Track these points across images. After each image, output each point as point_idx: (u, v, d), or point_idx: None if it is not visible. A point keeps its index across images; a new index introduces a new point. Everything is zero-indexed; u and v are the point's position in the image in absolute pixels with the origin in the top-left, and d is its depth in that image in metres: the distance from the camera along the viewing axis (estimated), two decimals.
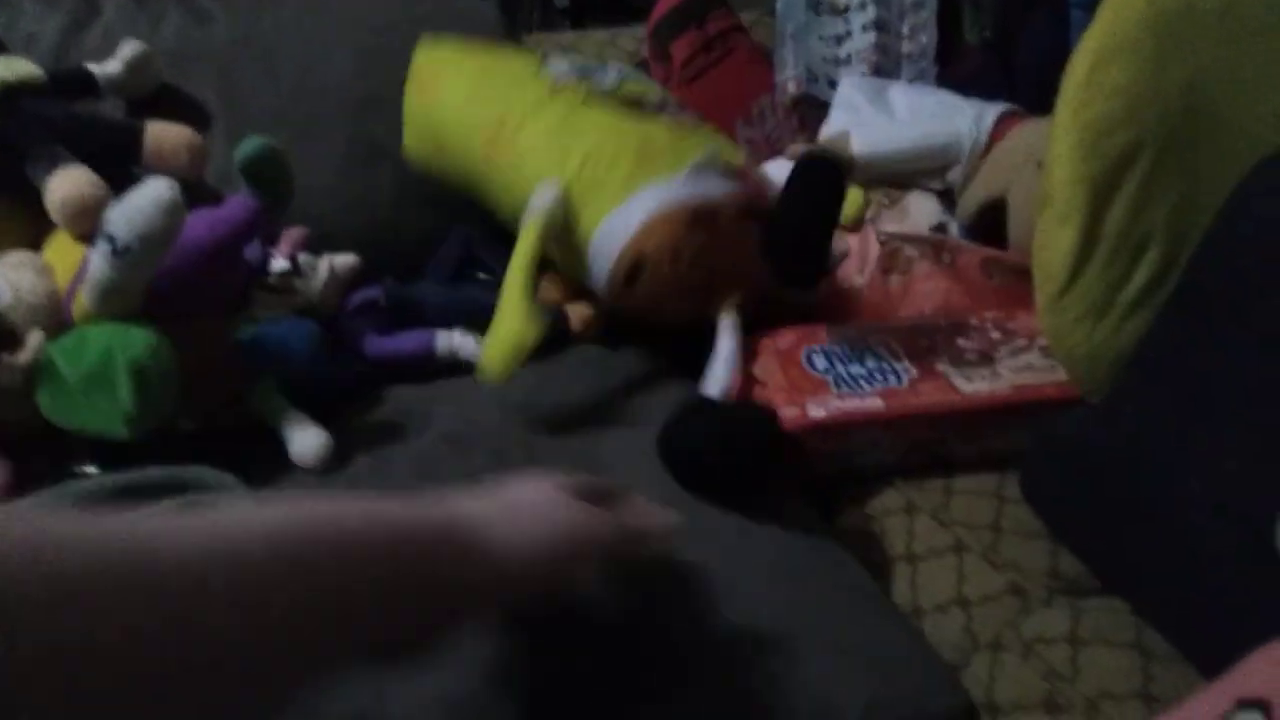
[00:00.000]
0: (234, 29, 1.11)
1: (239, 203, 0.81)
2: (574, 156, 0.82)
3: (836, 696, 0.59)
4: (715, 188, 0.83)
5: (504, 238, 0.89)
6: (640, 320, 0.88)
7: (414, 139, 0.97)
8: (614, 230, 0.80)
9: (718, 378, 0.77)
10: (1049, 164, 0.72)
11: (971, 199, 0.97)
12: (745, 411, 0.76)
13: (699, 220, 0.80)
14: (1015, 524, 0.75)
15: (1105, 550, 0.67)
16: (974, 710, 0.63)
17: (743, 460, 0.71)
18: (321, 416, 0.80)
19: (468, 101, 0.91)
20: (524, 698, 0.57)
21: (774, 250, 0.81)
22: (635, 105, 0.91)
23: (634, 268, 0.79)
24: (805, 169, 0.80)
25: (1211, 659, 0.57)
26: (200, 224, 0.80)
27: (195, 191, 0.89)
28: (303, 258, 0.88)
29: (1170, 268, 0.71)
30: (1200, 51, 0.73)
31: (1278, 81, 0.75)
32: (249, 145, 0.77)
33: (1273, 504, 0.56)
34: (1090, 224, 0.71)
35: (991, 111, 0.98)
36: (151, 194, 0.70)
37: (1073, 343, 0.74)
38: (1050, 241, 0.73)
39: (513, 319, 0.75)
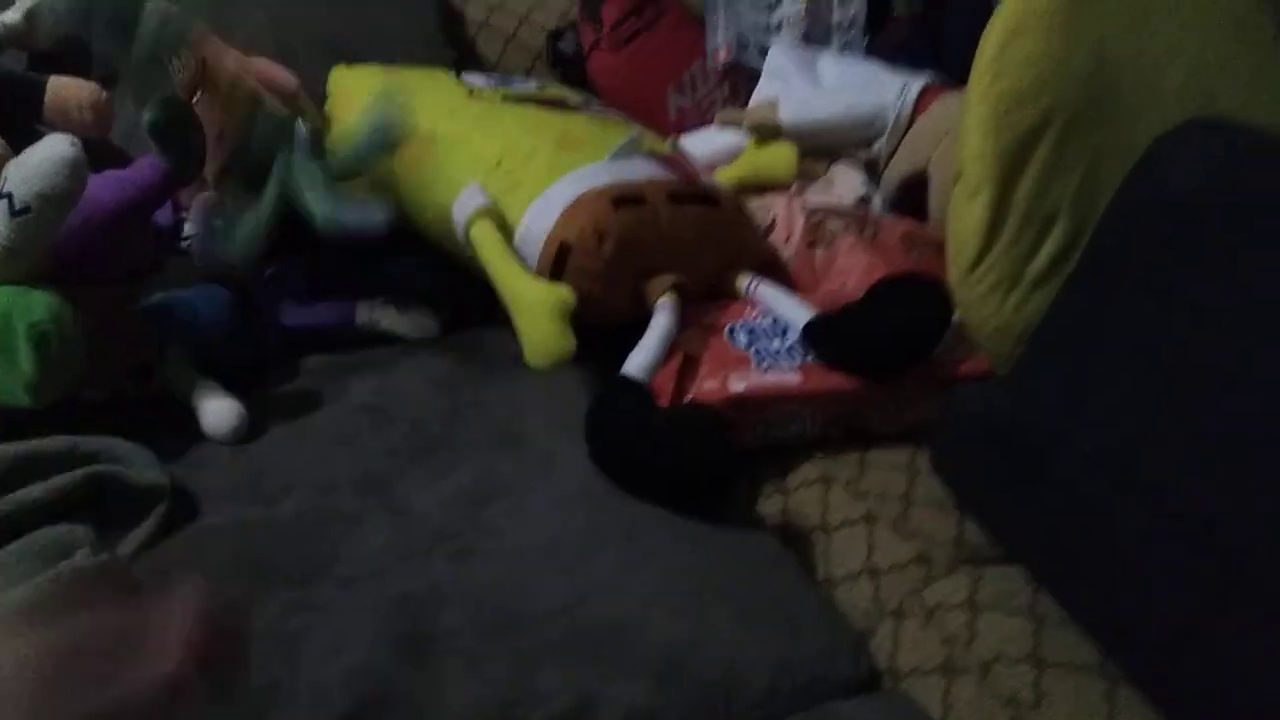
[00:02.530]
0: None
1: (147, 164, 0.78)
2: (493, 153, 0.81)
3: (745, 658, 0.60)
4: (638, 172, 0.83)
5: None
6: (585, 314, 0.86)
7: (337, 165, 0.94)
8: (538, 220, 0.79)
9: (640, 357, 0.76)
10: (961, 137, 0.73)
11: (895, 172, 0.98)
12: (693, 422, 0.74)
13: (622, 203, 0.79)
14: (926, 495, 0.77)
15: (1008, 519, 0.69)
16: (877, 675, 0.65)
17: (687, 478, 0.71)
18: (236, 387, 0.78)
19: None
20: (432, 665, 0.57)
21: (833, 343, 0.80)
22: (555, 105, 0.90)
23: (560, 254, 0.79)
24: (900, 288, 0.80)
25: (1105, 623, 0.60)
26: (105, 185, 0.77)
27: (100, 151, 0.86)
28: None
29: (1076, 241, 0.73)
30: (1108, 26, 0.74)
31: (1180, 58, 0.77)
32: (157, 104, 0.75)
33: (1167, 467, 0.58)
34: (1000, 197, 0.72)
35: (916, 83, 0.99)
36: (51, 151, 0.67)
37: (983, 316, 0.76)
38: (962, 215, 0.74)
39: (535, 291, 0.74)
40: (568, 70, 1.22)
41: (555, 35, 1.24)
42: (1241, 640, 0.52)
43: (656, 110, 1.17)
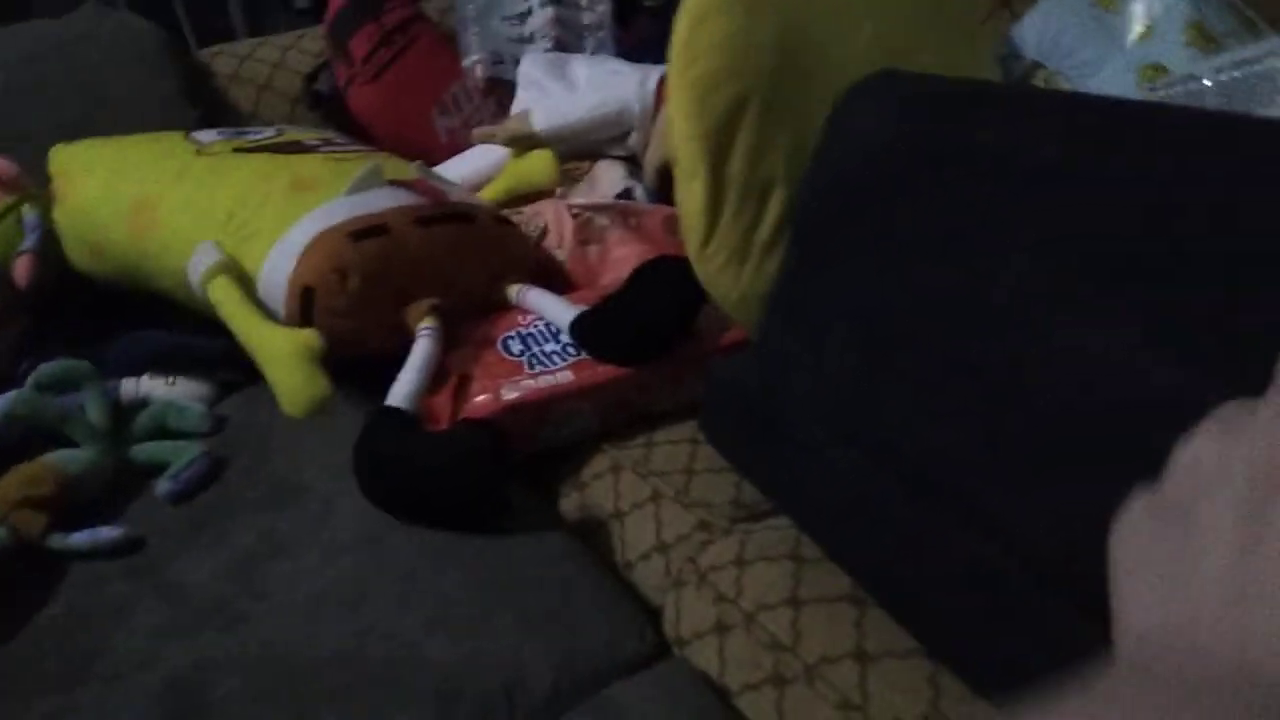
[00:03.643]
0: None
1: None
2: (223, 207, 0.80)
3: (528, 662, 0.61)
4: (379, 202, 0.83)
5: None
6: (349, 350, 0.83)
7: (71, 248, 0.91)
8: (277, 266, 0.78)
9: (401, 386, 0.76)
10: (668, 124, 0.77)
11: (649, 162, 1.02)
12: (457, 442, 0.73)
13: (363, 236, 0.79)
14: (706, 463, 0.80)
15: (764, 475, 0.72)
16: (665, 648, 0.67)
17: (459, 499, 0.72)
18: None
19: (105, 192, 0.87)
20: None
21: (593, 332, 0.82)
22: (290, 149, 0.89)
23: (304, 297, 0.78)
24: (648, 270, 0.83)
25: (847, 557, 0.64)
26: None
27: None
28: None
29: (794, 207, 0.77)
30: (791, 3, 0.78)
31: (866, 22, 0.82)
32: None
33: (876, 420, 0.62)
34: (714, 176, 0.76)
35: (654, 74, 1.02)
36: None
37: (723, 289, 0.79)
38: (684, 197, 0.77)
39: (280, 339, 0.73)
40: (329, 110, 1.20)
41: (311, 77, 1.22)
42: (945, 550, 0.56)
43: (425, 135, 1.18)
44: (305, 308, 0.77)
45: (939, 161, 0.65)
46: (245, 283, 0.79)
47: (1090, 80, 0.94)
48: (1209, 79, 0.81)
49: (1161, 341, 0.48)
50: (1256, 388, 0.31)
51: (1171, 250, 0.49)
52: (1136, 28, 0.93)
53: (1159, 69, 0.90)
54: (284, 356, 0.72)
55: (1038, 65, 0.98)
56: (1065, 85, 0.96)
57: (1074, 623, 0.47)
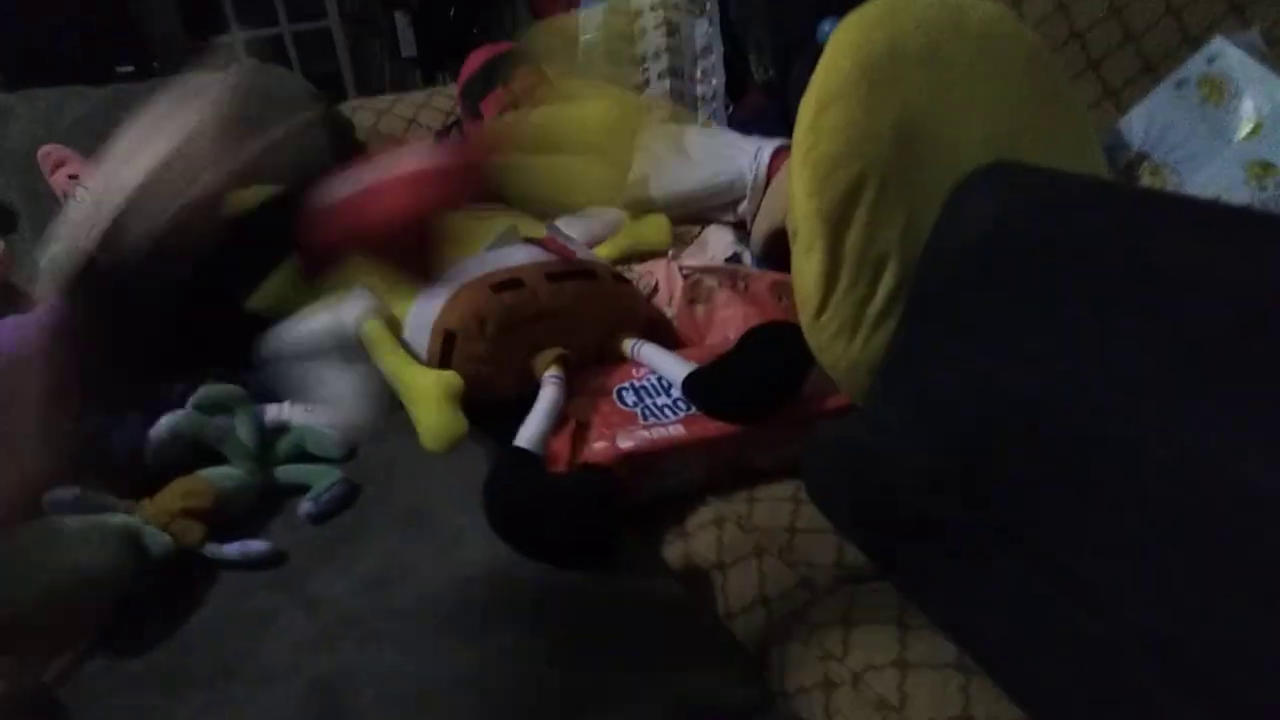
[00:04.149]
0: (35, 125, 1.12)
1: (55, 307, 0.82)
2: None
3: (644, 699, 0.65)
4: (515, 258, 0.90)
5: None
6: (480, 393, 0.88)
7: None
8: (424, 313, 0.86)
9: (529, 429, 0.82)
10: (790, 200, 0.82)
11: (758, 230, 1.07)
12: (580, 487, 0.79)
13: (501, 289, 0.86)
14: (808, 523, 0.83)
15: (870, 538, 0.75)
16: (770, 698, 0.70)
17: (579, 540, 0.76)
18: None
19: None
20: None
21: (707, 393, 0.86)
22: None
23: (446, 342, 0.85)
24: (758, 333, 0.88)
25: (956, 625, 0.66)
26: (8, 331, 0.81)
27: (2, 296, 0.90)
28: None
29: (907, 282, 0.81)
30: (909, 90, 0.83)
31: (979, 112, 0.86)
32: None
33: (994, 485, 0.65)
34: (831, 250, 0.80)
35: (768, 147, 1.08)
36: None
37: (833, 357, 0.83)
38: (801, 268, 0.82)
39: (425, 379, 0.79)
40: None
41: (443, 133, 1.32)
42: (1067, 630, 0.58)
43: None
44: (446, 351, 0.83)
45: (1045, 250, 0.69)
46: (393, 326, 0.86)
47: (1197, 175, 0.96)
48: None
49: (1265, 443, 0.50)
50: None
51: (1271, 355, 0.51)
52: (1245, 125, 0.95)
53: (1268, 166, 0.93)
54: (428, 393, 0.79)
55: (1143, 157, 1.01)
56: (1172, 178, 0.99)
57: (1178, 708, 0.48)
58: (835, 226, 0.80)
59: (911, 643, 0.67)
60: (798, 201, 0.81)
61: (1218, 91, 0.97)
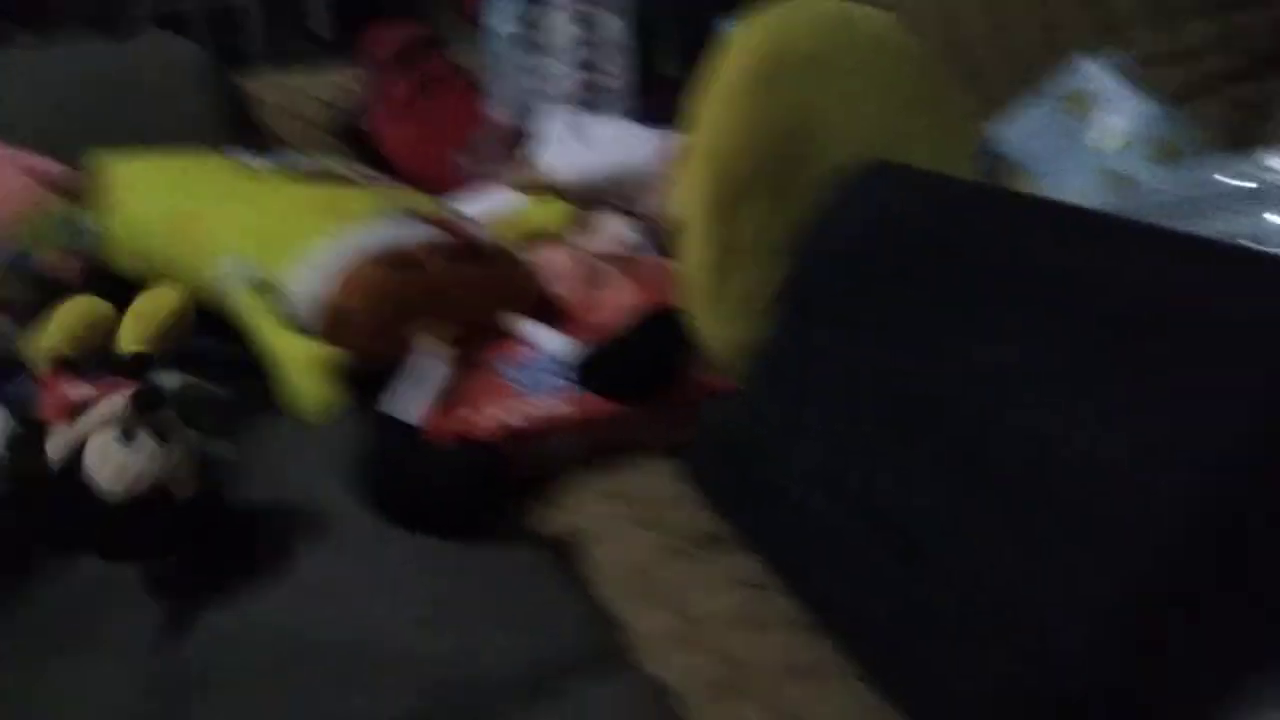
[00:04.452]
0: None
1: None
2: (262, 226, 0.87)
3: (502, 660, 0.67)
4: (410, 235, 0.91)
5: None
6: (362, 364, 0.88)
7: (118, 255, 0.98)
8: (308, 281, 0.85)
9: (410, 402, 0.83)
10: (681, 190, 0.85)
11: (654, 218, 1.10)
12: (465, 459, 0.80)
13: (394, 265, 0.87)
14: (680, 496, 0.85)
15: (743, 520, 0.78)
16: (625, 653, 0.72)
17: (461, 512, 0.78)
18: None
19: (157, 204, 0.94)
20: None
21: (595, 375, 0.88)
22: (329, 178, 0.97)
23: (336, 317, 0.85)
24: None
25: (820, 608, 0.70)
26: None
27: None
28: None
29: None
30: (799, 91, 0.87)
31: (865, 115, 0.91)
32: None
33: (854, 475, 0.68)
34: (717, 241, 0.84)
35: (670, 140, 1.11)
36: None
37: (719, 342, 0.86)
38: (690, 256, 0.85)
39: (300, 348, 0.79)
40: (357, 143, 1.29)
41: (343, 110, 1.31)
42: (919, 612, 0.61)
43: (445, 174, 1.26)
44: (335, 326, 0.83)
45: (920, 246, 0.73)
46: (276, 296, 0.85)
47: (1061, 186, 1.03)
48: (1166, 192, 0.90)
49: (1101, 421, 0.55)
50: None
51: (1121, 348, 0.56)
52: (1107, 139, 1.02)
53: (1123, 179, 1.00)
54: (301, 362, 0.79)
55: (1013, 165, 1.08)
56: (1038, 186, 1.05)
57: (1019, 670, 0.53)
58: (722, 218, 0.83)
59: (767, 604, 0.71)
60: (689, 192, 0.84)
61: (1081, 105, 1.04)
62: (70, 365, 0.80)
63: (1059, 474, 0.54)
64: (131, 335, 0.85)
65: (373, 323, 0.85)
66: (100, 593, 0.71)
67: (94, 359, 0.83)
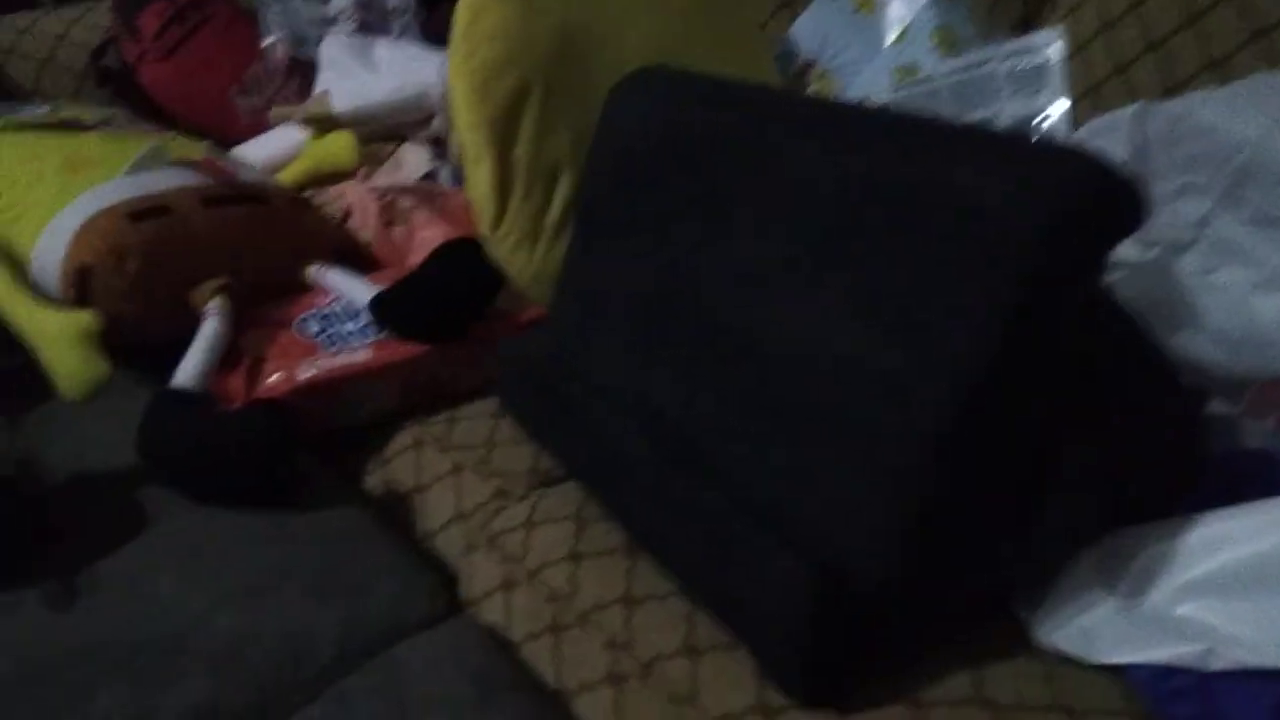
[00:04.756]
0: None
1: None
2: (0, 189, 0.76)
3: (312, 628, 0.64)
4: (162, 182, 0.82)
5: None
6: (133, 335, 0.81)
7: None
8: (50, 247, 0.76)
9: (187, 366, 0.76)
10: (452, 112, 0.80)
11: (454, 145, 1.04)
12: (247, 420, 0.74)
13: (143, 216, 0.78)
14: (506, 436, 0.84)
15: (555, 443, 0.77)
16: (459, 607, 0.71)
17: (251, 476, 0.73)
18: None
19: None
20: None
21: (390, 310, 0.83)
22: (67, 127, 0.86)
23: (80, 279, 0.76)
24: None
25: (617, 512, 0.70)
26: None
27: None
28: None
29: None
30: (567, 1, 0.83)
31: (644, 21, 0.88)
32: None
33: (642, 388, 0.68)
34: (500, 161, 0.80)
35: None
36: None
37: (517, 269, 0.83)
38: (473, 181, 0.81)
39: (54, 321, 0.70)
40: (119, 86, 1.16)
41: (98, 52, 1.17)
42: (686, 503, 0.61)
43: (223, 115, 1.15)
44: (81, 290, 0.75)
45: (684, 150, 0.71)
46: (16, 265, 0.76)
47: (854, 79, 1.04)
48: (942, 81, 0.92)
49: (854, 317, 0.55)
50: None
51: (863, 239, 0.56)
52: (892, 31, 1.03)
53: (910, 71, 1.01)
54: (59, 338, 0.71)
55: (809, 64, 1.07)
56: (836, 83, 1.06)
57: (787, 564, 0.54)
58: (501, 137, 0.79)
59: (586, 535, 0.70)
60: (459, 113, 0.79)
61: (869, 2, 1.04)
62: None
63: (823, 374, 0.55)
64: None
65: (122, 281, 0.76)
66: None
67: None
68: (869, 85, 1.02)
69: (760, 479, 0.57)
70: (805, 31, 1.07)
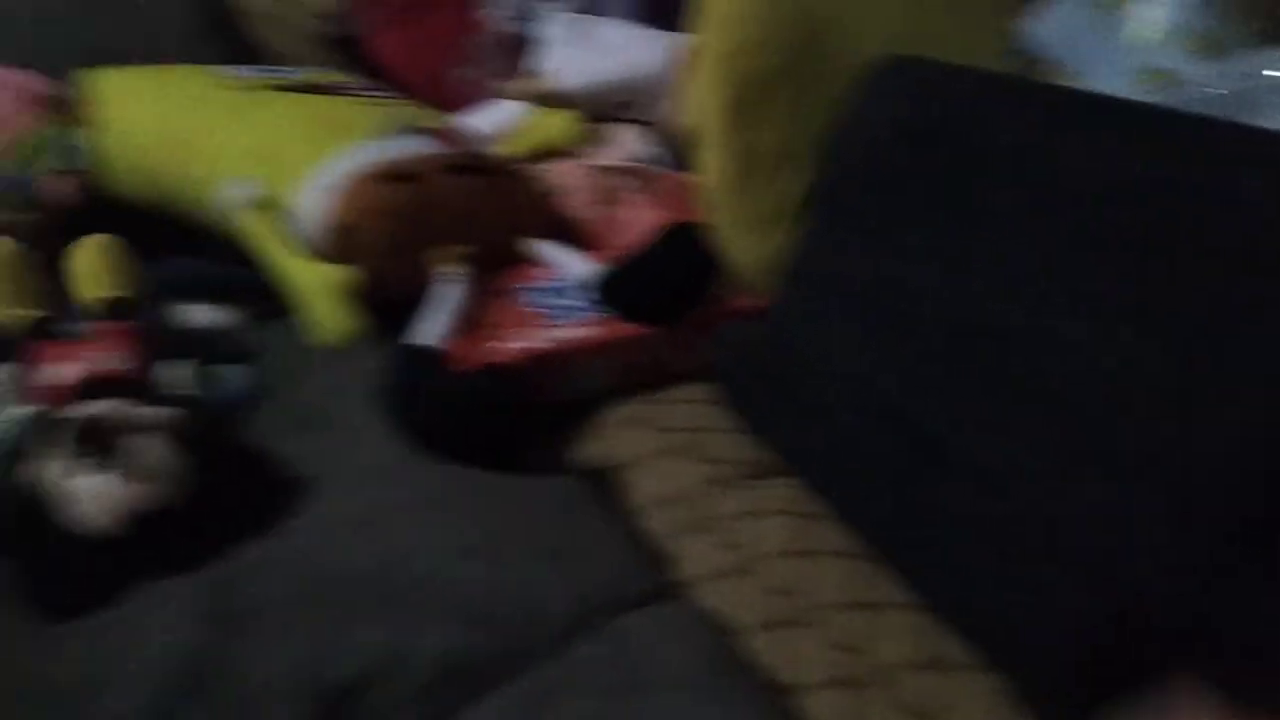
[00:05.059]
0: None
1: None
2: (260, 142, 0.82)
3: (544, 593, 0.66)
4: (411, 148, 0.86)
5: None
6: (376, 290, 0.85)
7: (115, 174, 0.92)
8: (313, 203, 0.81)
9: (429, 325, 0.80)
10: (691, 93, 0.80)
11: (671, 128, 1.05)
12: (488, 385, 0.78)
13: (396, 180, 0.82)
14: (718, 423, 0.84)
15: (780, 434, 0.77)
16: (668, 587, 0.72)
17: (487, 439, 0.76)
18: None
19: (151, 120, 0.89)
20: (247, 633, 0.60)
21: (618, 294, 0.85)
22: (324, 90, 0.91)
23: (340, 235, 0.81)
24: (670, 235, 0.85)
25: (853, 511, 0.69)
26: None
27: None
28: None
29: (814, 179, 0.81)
30: None
31: (881, 10, 0.85)
32: None
33: (885, 389, 0.66)
34: (739, 145, 0.79)
35: (680, 42, 1.05)
36: None
37: (742, 256, 0.83)
38: (707, 166, 0.81)
39: (314, 273, 0.76)
40: (349, 53, 1.22)
41: (334, 19, 1.23)
42: (959, 511, 0.60)
43: (442, 86, 1.19)
44: (340, 245, 0.80)
45: (943, 149, 0.69)
46: (279, 217, 0.81)
47: (1094, 81, 0.98)
48: (1218, 88, 0.85)
49: (1139, 331, 0.52)
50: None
51: (1160, 263, 0.53)
52: (1142, 31, 0.97)
53: (1161, 74, 0.95)
54: (317, 289, 0.75)
55: (1047, 61, 1.02)
56: (1071, 82, 1.00)
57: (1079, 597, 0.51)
58: (742, 124, 0.79)
59: (813, 532, 0.70)
60: (702, 96, 0.79)
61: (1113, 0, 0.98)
62: (47, 331, 0.76)
63: (1096, 390, 0.53)
64: (93, 284, 0.81)
65: (379, 241, 0.81)
66: None
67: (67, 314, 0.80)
68: (1106, 88, 0.96)
69: (1030, 495, 0.55)
70: (1044, 27, 1.02)
